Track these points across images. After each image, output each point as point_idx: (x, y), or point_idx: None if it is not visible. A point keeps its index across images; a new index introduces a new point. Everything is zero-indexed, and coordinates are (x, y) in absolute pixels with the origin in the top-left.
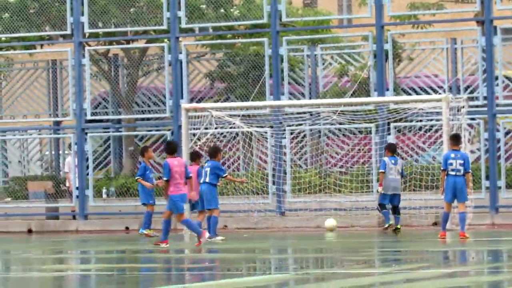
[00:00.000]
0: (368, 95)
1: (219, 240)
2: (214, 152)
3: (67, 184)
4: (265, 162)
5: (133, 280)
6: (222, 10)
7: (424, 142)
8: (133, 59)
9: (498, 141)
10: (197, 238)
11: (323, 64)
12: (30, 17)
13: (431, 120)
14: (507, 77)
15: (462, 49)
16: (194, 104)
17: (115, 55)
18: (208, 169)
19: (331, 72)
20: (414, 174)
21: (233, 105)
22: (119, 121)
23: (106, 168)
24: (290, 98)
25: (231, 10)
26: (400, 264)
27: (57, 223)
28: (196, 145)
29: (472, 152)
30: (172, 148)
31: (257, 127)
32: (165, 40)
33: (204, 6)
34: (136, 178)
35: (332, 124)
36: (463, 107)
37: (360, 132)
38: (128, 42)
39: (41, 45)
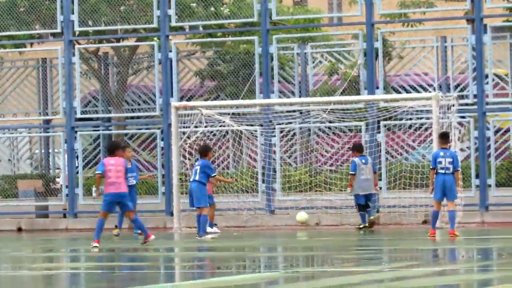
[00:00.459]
0: (358, 94)
1: (209, 238)
2: (204, 151)
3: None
4: (255, 160)
5: (123, 278)
6: (212, 9)
7: (414, 141)
8: (123, 57)
9: (488, 139)
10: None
11: (313, 62)
12: (20, 15)
13: (421, 118)
14: (497, 75)
15: (452, 47)
16: (184, 103)
17: (105, 54)
18: (198, 168)
19: (321, 70)
20: (404, 172)
21: (223, 104)
22: (109, 119)
23: (96, 166)
24: (280, 97)
25: (221, 8)
26: (389, 262)
27: (47, 221)
28: (186, 144)
29: (462, 150)
30: (109, 149)
31: (247, 125)
32: (155, 38)
33: (194, 5)
34: None
35: (322, 123)
36: (453, 105)
37: (350, 130)
38: (118, 40)
39: (31, 44)
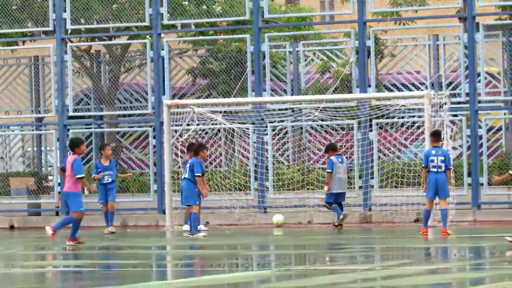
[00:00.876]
0: (350, 92)
1: (201, 236)
2: (195, 149)
3: None
4: (247, 158)
5: (115, 276)
6: (204, 7)
7: (406, 139)
8: (115, 55)
9: (481, 137)
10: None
11: (305, 60)
12: (12, 13)
13: (413, 116)
14: (489, 74)
15: (444, 45)
16: (176, 101)
17: (97, 52)
18: (188, 166)
19: (313, 68)
20: (396, 170)
21: (215, 102)
22: (101, 117)
23: (88, 164)
24: (272, 95)
25: (213, 6)
26: (381, 260)
27: (39, 219)
28: (178, 142)
29: (454, 148)
30: (69, 146)
31: (239, 123)
32: (147, 36)
33: (186, 3)
34: (93, 176)
35: (314, 121)
36: (445, 103)
37: (342, 128)
38: (110, 38)
39: (23, 42)
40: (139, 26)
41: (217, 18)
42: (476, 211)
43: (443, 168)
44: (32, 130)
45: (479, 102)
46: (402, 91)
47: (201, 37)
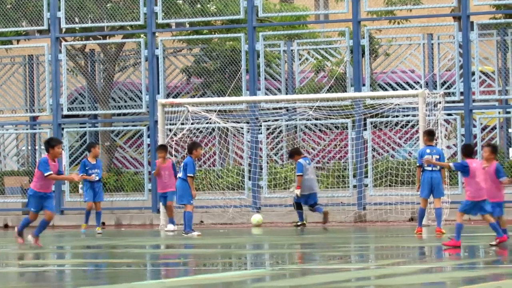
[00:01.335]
0: (345, 91)
1: (195, 235)
2: (189, 148)
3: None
4: (241, 157)
5: (109, 276)
6: (198, 6)
7: (400, 138)
8: (109, 54)
9: (475, 136)
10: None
11: (300, 59)
12: (6, 12)
13: (408, 115)
14: (483, 73)
15: (439, 44)
16: (171, 100)
17: (91, 51)
18: (182, 165)
19: (307, 67)
20: (390, 169)
21: (209, 101)
22: (95, 116)
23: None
24: (266, 94)
25: (208, 5)
26: (376, 259)
27: None
28: (173, 140)
29: (448, 147)
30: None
31: (233, 122)
32: (142, 35)
33: (180, 2)
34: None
35: (308, 120)
36: (440, 102)
37: (337, 127)
38: (104, 37)
39: (18, 41)
40: (133, 25)
41: (211, 17)
42: None
43: (438, 167)
44: (27, 129)
45: (474, 101)
46: (397, 90)
47: (195, 36)
